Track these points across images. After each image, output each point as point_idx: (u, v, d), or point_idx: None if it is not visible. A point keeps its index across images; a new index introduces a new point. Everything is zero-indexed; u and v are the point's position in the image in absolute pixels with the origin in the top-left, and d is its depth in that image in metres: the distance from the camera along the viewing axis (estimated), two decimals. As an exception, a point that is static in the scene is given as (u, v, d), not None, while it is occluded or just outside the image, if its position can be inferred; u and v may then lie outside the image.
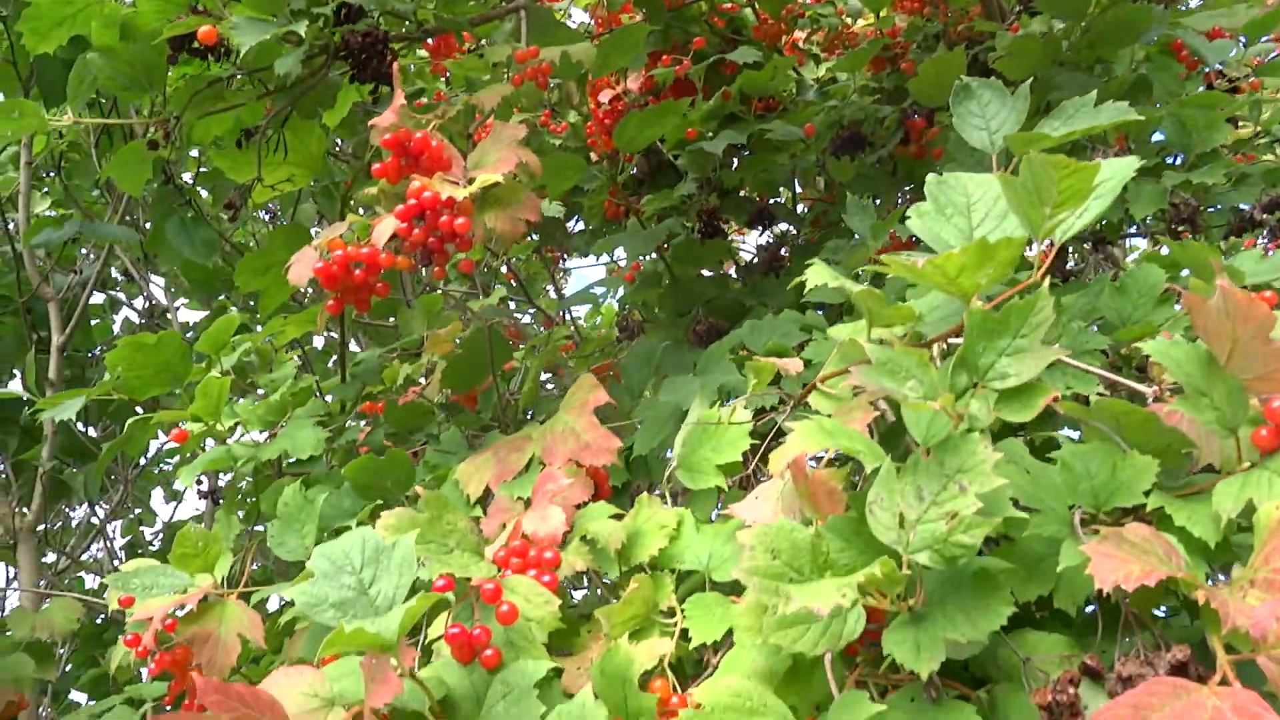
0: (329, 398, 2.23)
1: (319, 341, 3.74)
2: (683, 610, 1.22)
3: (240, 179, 1.97)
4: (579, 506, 1.42)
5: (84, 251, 3.97)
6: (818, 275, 1.17)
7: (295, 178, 2.06)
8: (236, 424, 1.77)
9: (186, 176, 3.25)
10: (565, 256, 3.65)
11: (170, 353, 2.06)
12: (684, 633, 1.18)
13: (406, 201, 1.48)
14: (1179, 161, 1.88)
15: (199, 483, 2.83)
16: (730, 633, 1.15)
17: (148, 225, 3.52)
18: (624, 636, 1.05)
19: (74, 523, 4.83)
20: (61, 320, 3.42)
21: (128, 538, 4.71)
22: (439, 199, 1.46)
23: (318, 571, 1.02)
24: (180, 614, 1.61)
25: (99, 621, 3.64)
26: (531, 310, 4.46)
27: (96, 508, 4.41)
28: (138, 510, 4.77)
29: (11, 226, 3.45)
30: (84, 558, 4.54)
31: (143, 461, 4.39)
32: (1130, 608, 0.98)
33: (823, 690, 1.02)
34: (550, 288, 4.66)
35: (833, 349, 1.27)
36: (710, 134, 2.29)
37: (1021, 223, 1.04)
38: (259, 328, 2.46)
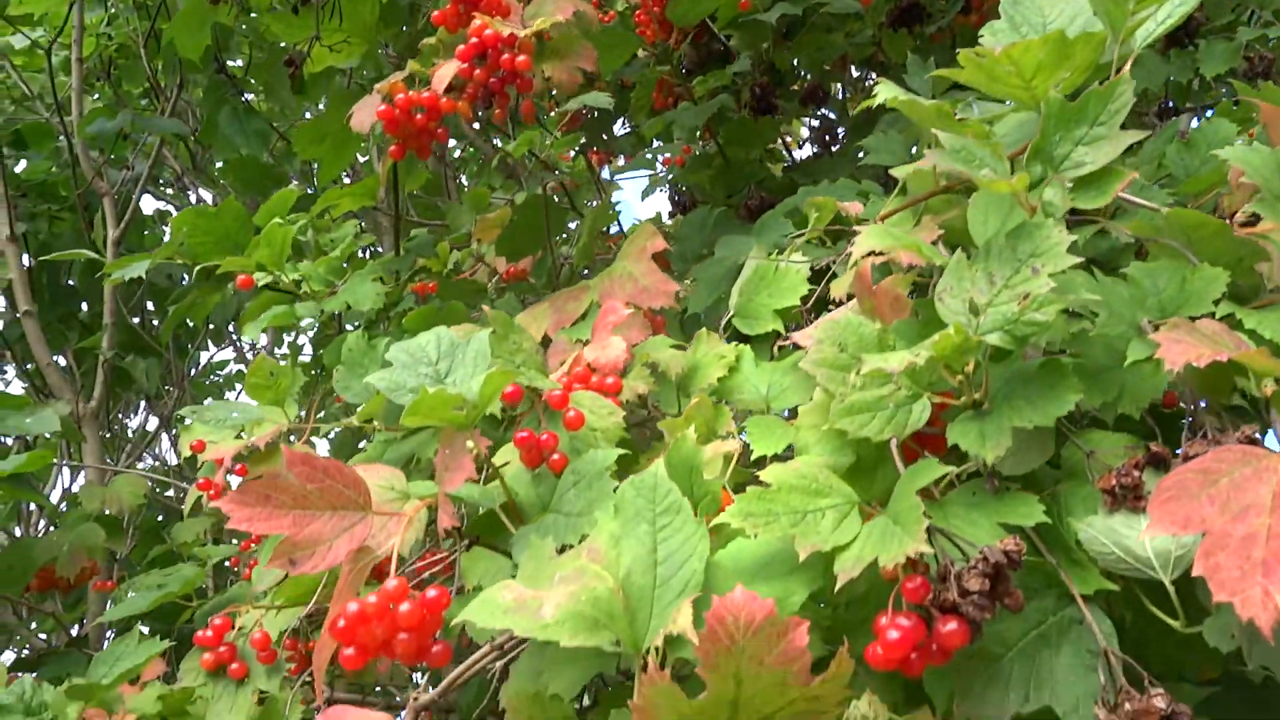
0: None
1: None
2: (742, 428, 1.24)
3: (295, 39, 1.98)
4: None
5: (133, 156, 4.01)
6: (886, 91, 1.16)
7: (350, 45, 2.06)
8: (300, 280, 1.81)
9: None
10: (610, 159, 3.63)
11: (231, 221, 2.10)
12: (743, 459, 1.20)
13: (468, 41, 1.48)
14: (1254, 20, 1.82)
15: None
16: (790, 449, 1.17)
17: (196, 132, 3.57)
18: (690, 430, 1.07)
19: (130, 430, 4.98)
20: (116, 215, 3.48)
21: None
22: (500, 36, 1.46)
23: (396, 363, 1.05)
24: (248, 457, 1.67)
25: (159, 518, 3.78)
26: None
27: (149, 416, 4.55)
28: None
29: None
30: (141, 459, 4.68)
31: (192, 373, 4.51)
32: (1197, 400, 0.97)
33: (886, 485, 1.03)
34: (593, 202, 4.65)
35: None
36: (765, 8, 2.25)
37: (1102, 21, 1.02)
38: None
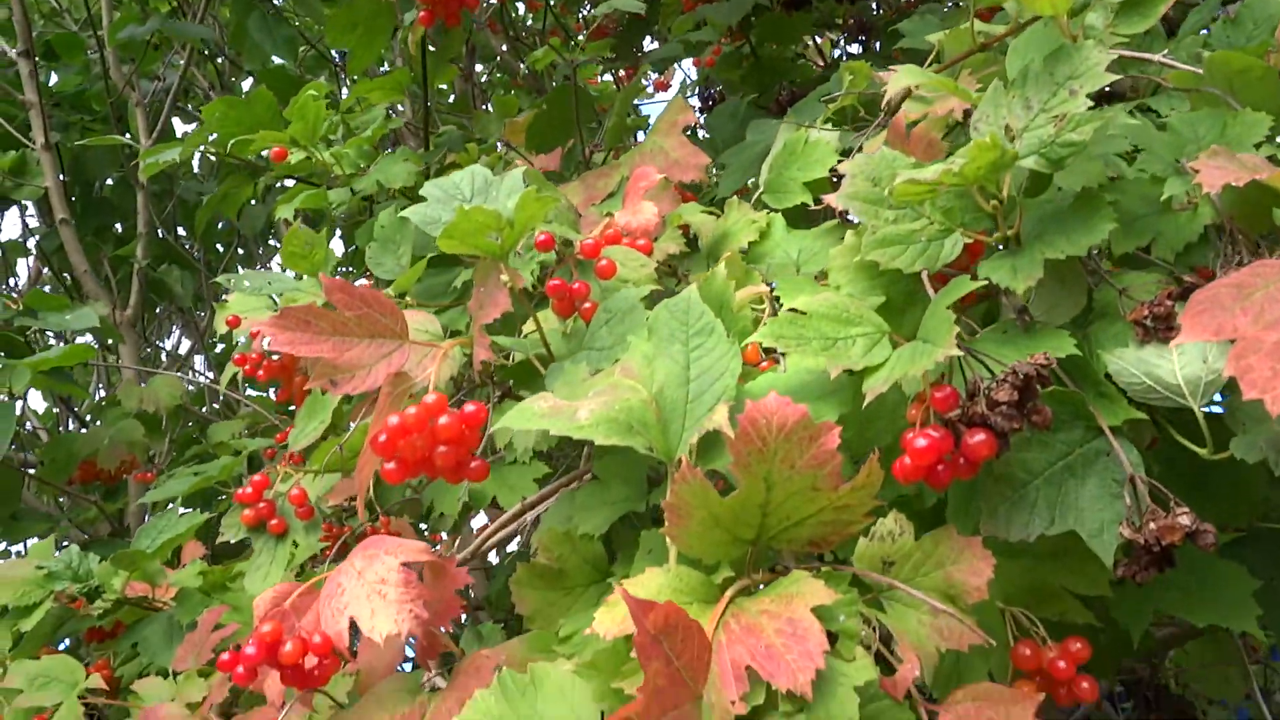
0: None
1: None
2: (772, 288, 1.25)
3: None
4: (666, 218, 1.44)
5: (163, 68, 4.01)
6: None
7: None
8: (332, 162, 1.81)
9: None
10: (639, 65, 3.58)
11: (263, 110, 2.11)
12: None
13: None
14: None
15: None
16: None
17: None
18: (721, 265, 1.08)
19: (164, 352, 5.05)
20: (148, 126, 3.49)
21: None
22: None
23: (430, 199, 1.06)
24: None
25: (189, 425, 3.86)
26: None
27: (183, 339, 4.60)
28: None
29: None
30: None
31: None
32: (1236, 227, 0.97)
33: (915, 324, 1.04)
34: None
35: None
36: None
37: None
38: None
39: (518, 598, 1.15)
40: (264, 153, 2.04)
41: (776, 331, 0.92)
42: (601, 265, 1.17)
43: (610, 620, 0.79)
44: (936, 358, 0.82)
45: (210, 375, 4.67)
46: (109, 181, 3.95)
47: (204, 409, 3.81)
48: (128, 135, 3.54)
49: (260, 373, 1.71)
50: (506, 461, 1.49)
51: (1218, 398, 0.93)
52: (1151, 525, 0.88)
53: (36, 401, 4.26)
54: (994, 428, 0.85)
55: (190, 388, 3.64)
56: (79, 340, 3.19)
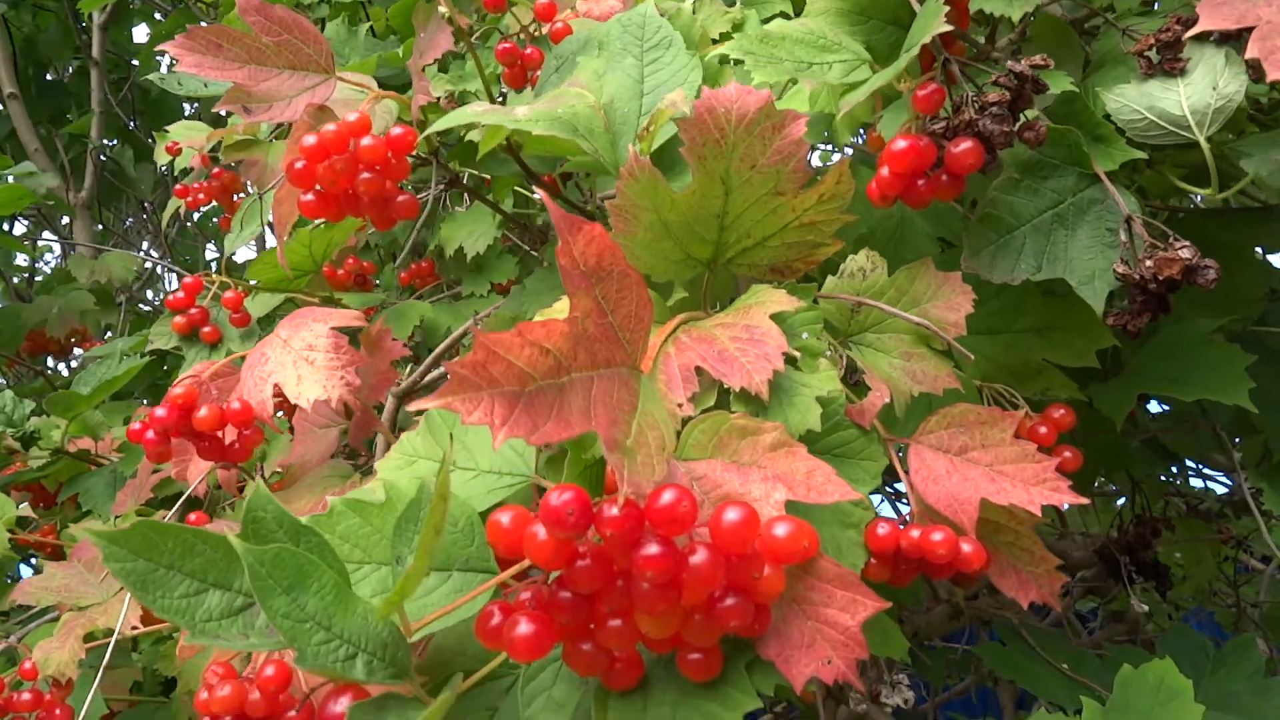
0: None
1: None
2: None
3: None
4: None
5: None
6: None
7: None
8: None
9: None
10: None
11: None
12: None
13: None
14: None
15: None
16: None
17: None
18: (687, 2, 0.98)
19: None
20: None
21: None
22: None
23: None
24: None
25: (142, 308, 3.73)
26: None
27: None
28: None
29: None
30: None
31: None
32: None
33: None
34: None
35: None
36: None
37: None
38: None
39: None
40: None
41: (745, 47, 0.83)
42: (557, 28, 1.07)
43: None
44: (924, 40, 0.72)
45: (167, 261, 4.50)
46: (66, 71, 3.78)
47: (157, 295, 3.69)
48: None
49: (200, 197, 1.60)
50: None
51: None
52: (1148, 261, 0.79)
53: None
54: (982, 134, 0.76)
55: (146, 265, 3.51)
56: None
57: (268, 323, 1.39)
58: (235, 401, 0.94)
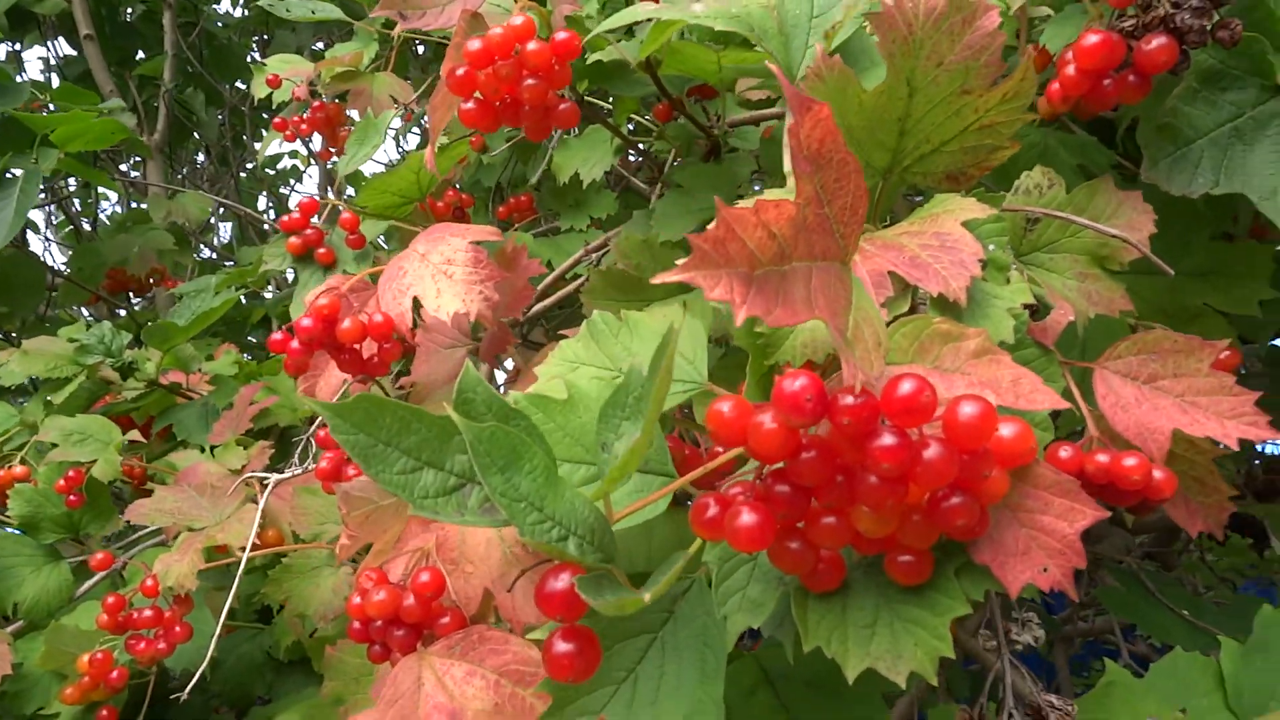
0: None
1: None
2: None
3: None
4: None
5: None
6: None
7: None
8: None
9: None
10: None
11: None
12: None
13: None
14: None
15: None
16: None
17: None
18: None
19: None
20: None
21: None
22: None
23: None
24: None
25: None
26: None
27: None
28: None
29: None
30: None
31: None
32: None
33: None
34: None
35: None
36: None
37: None
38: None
39: (590, 309, 1.05)
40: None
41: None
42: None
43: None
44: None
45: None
46: (135, 14, 3.79)
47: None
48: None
49: (304, 129, 1.60)
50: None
51: None
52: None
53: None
54: (1179, 29, 0.72)
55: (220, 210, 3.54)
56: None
57: (376, 249, 1.39)
58: (377, 314, 0.93)
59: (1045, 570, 0.55)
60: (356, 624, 0.84)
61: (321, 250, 1.30)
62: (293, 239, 1.30)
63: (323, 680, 1.45)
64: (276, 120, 1.68)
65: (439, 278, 0.93)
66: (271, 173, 4.80)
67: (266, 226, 3.59)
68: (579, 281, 1.34)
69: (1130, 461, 0.65)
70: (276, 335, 0.96)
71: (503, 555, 0.85)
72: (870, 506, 0.52)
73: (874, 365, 0.53)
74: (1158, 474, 0.66)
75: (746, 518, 0.51)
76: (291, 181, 4.81)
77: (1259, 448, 1.67)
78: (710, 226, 0.47)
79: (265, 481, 1.10)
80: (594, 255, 1.28)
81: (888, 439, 0.49)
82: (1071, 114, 0.95)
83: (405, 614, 0.80)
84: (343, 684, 1.32)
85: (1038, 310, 0.73)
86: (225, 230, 4.92)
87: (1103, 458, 0.67)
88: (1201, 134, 0.83)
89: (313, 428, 1.21)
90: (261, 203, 4.78)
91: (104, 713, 1.34)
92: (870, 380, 0.51)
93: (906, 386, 0.49)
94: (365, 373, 0.96)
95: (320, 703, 1.42)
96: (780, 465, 0.53)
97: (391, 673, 0.79)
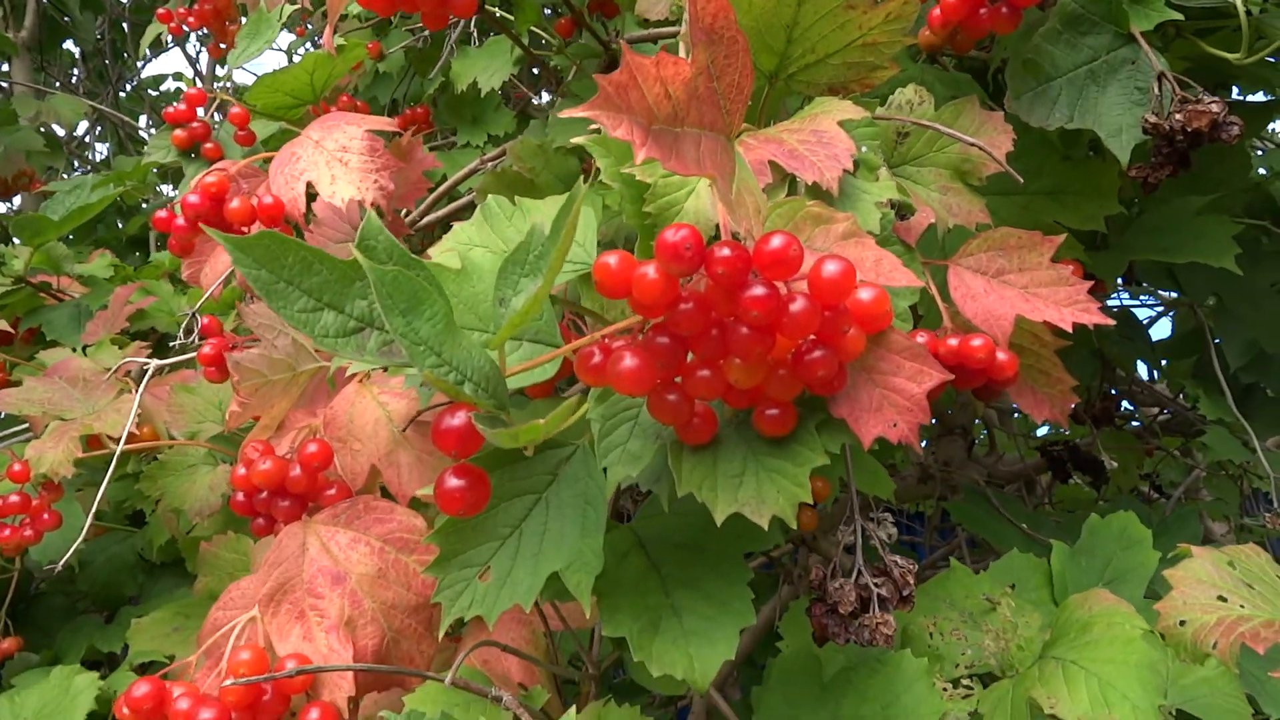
0: None
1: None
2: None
3: None
4: None
5: None
6: None
7: None
8: None
9: None
10: None
11: None
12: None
13: None
14: None
15: None
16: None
17: None
18: None
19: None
20: None
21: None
22: None
23: None
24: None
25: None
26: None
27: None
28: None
29: None
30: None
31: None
32: None
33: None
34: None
35: None
36: None
37: None
38: None
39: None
40: None
41: None
42: None
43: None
44: None
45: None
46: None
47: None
48: None
49: (191, 21, 1.54)
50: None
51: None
52: (1178, 114, 0.84)
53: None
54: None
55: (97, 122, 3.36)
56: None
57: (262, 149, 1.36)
58: (267, 196, 0.93)
59: (895, 425, 0.61)
60: (240, 495, 0.85)
61: (209, 145, 1.28)
62: (178, 132, 1.27)
63: (194, 581, 1.44)
64: (161, 10, 1.62)
65: (334, 164, 0.93)
66: (154, 94, 4.56)
67: (148, 142, 3.42)
68: (469, 198, 1.35)
69: (976, 342, 0.72)
70: (161, 213, 0.95)
71: (390, 435, 0.88)
72: (741, 357, 0.57)
73: (754, 229, 0.58)
74: (1001, 355, 0.73)
75: (629, 361, 0.55)
76: (174, 105, 4.58)
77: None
78: (615, 72, 0.50)
79: (145, 368, 1.08)
80: (489, 164, 1.29)
81: (758, 289, 0.53)
82: (949, 49, 1.01)
83: (291, 484, 0.82)
84: (217, 579, 1.31)
85: (903, 213, 0.79)
86: (101, 150, 4.66)
87: (953, 341, 0.74)
88: (1061, 73, 0.91)
89: (191, 312, 1.19)
90: (143, 122, 4.54)
91: (-36, 606, 1.30)
92: (745, 239, 0.55)
93: (776, 241, 0.54)
94: (256, 254, 0.95)
95: (193, 600, 1.41)
96: (659, 320, 0.57)
97: (276, 539, 0.80)
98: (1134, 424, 2.06)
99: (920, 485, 1.48)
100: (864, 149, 0.76)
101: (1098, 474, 1.84)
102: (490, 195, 0.80)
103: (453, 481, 0.58)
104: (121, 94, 4.38)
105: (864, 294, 0.59)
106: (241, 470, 0.82)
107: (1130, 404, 1.95)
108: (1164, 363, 1.81)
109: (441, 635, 0.66)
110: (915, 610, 0.90)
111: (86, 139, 4.13)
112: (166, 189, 2.94)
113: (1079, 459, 1.89)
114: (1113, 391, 1.99)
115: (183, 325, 0.90)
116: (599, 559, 0.66)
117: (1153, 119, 0.85)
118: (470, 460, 0.60)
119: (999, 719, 0.74)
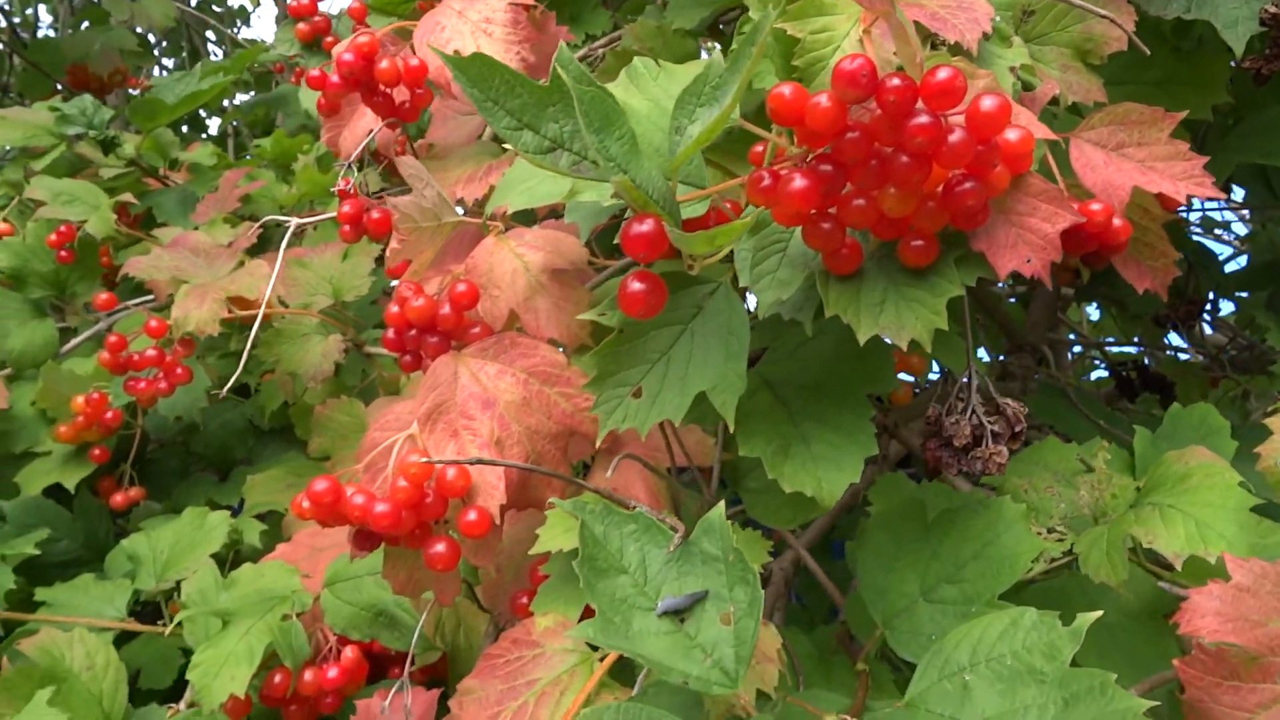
0: None
1: None
2: None
3: None
4: None
5: None
6: None
7: None
8: None
9: None
10: None
11: None
12: None
13: None
14: None
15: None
16: None
17: None
18: None
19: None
20: None
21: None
22: None
23: None
24: None
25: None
26: None
27: None
28: None
29: None
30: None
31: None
32: None
33: None
34: None
35: None
36: None
37: None
38: None
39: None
40: None
41: None
42: None
43: None
44: None
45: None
46: None
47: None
48: None
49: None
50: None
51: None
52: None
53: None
54: None
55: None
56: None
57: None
58: (413, 59, 0.99)
59: (1029, 261, 0.66)
60: (391, 332, 0.92)
61: (329, 39, 1.33)
62: (301, 25, 1.32)
63: (305, 446, 1.53)
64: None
65: (478, 35, 0.99)
66: (219, 10, 4.61)
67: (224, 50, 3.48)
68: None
69: (1096, 206, 0.77)
70: (314, 71, 1.01)
71: (528, 282, 0.94)
72: (897, 186, 0.62)
73: (917, 67, 0.63)
74: (1117, 221, 0.78)
75: (799, 181, 0.61)
76: (238, 22, 4.64)
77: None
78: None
79: (285, 226, 1.15)
80: (600, 50, 1.34)
81: (923, 118, 0.59)
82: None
83: (441, 321, 0.89)
84: (330, 440, 1.41)
85: (1028, 85, 0.83)
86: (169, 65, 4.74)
87: (1073, 205, 0.79)
88: (1176, -45, 0.93)
89: (347, 163, 1.24)
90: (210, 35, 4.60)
91: (96, 451, 1.40)
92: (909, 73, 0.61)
93: (943, 73, 0.59)
94: (395, 116, 1.02)
95: (303, 462, 1.51)
96: (823, 151, 0.63)
97: (429, 369, 0.88)
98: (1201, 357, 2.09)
99: (999, 382, 1.53)
100: (998, 18, 0.80)
101: (1166, 393, 1.88)
102: (637, 58, 0.85)
103: (635, 285, 0.64)
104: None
105: (1011, 134, 0.64)
106: (395, 308, 0.90)
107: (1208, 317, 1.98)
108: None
109: (599, 443, 0.74)
110: (1010, 473, 0.95)
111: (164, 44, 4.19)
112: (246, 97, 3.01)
113: (1148, 378, 1.93)
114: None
115: (339, 178, 0.96)
116: (743, 381, 0.72)
117: (1272, 9, 0.88)
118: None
119: (1095, 556, 0.80)
